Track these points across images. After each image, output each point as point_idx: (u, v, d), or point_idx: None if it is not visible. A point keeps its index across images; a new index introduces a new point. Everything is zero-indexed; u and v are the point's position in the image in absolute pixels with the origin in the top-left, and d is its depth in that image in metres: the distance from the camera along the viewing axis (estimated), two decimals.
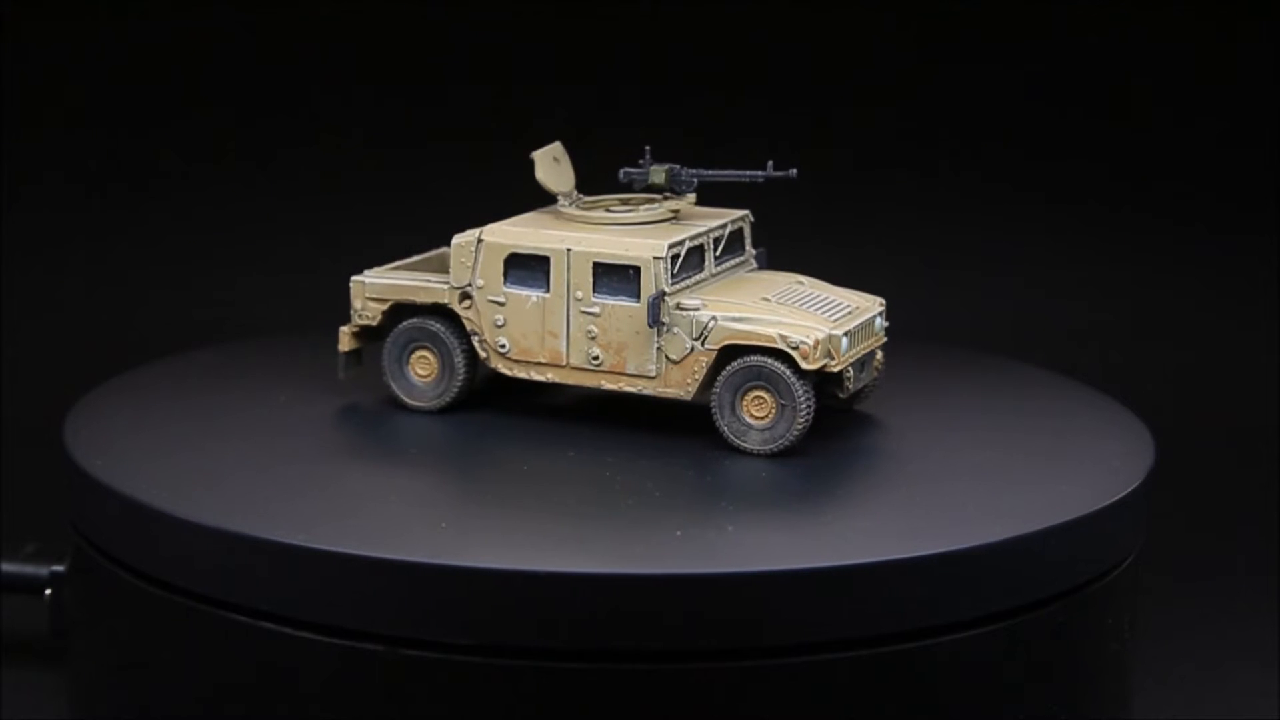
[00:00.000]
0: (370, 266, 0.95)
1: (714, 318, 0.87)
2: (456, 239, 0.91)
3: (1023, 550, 0.79)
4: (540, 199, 0.96)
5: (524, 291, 0.89)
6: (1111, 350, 1.46)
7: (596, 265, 0.88)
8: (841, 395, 0.90)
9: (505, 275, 0.89)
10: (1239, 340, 1.47)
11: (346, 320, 0.95)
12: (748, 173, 0.93)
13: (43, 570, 0.96)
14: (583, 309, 0.89)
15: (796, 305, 0.89)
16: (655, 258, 0.87)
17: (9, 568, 0.97)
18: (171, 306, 1.45)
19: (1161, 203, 1.50)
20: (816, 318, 0.88)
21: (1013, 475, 0.86)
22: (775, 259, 0.97)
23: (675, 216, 0.92)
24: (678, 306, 0.88)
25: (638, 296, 0.88)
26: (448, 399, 0.92)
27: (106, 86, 1.48)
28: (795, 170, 0.92)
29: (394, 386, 0.93)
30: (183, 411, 0.93)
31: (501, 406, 0.93)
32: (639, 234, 0.89)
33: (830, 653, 0.76)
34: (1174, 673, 1.03)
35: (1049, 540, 0.80)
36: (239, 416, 0.92)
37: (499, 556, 0.75)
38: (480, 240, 0.90)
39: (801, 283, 0.93)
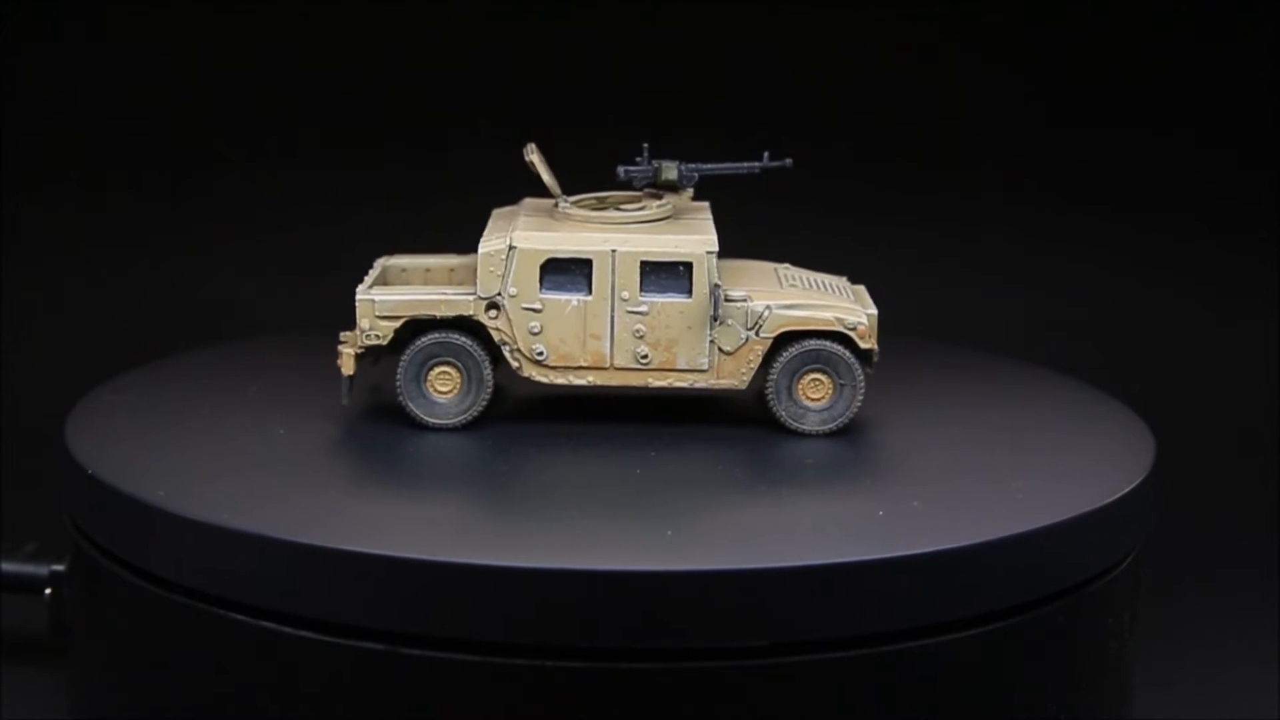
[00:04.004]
0: (369, 265, 0.95)
1: (768, 306, 0.89)
2: (484, 248, 0.89)
3: (1023, 549, 0.79)
4: (504, 199, 0.96)
5: (563, 296, 0.89)
6: (1111, 350, 1.46)
7: (644, 264, 0.88)
8: (869, 371, 0.91)
9: (541, 281, 0.89)
10: (1239, 340, 1.47)
11: (345, 332, 0.92)
12: (744, 164, 0.94)
13: (43, 570, 0.96)
14: (629, 309, 0.88)
15: (815, 289, 0.92)
16: (708, 252, 0.88)
17: (9, 568, 0.97)
18: (172, 306, 1.45)
19: (1161, 202, 1.50)
20: (846, 299, 0.91)
21: (1013, 474, 0.86)
22: (775, 255, 0.97)
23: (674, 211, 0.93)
24: (726, 298, 0.88)
25: (689, 292, 0.88)
26: (474, 413, 0.90)
27: (107, 86, 1.48)
28: (790, 160, 0.93)
29: (412, 407, 0.90)
30: (182, 411, 0.93)
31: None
32: (673, 230, 0.90)
33: (830, 652, 0.76)
34: (1174, 673, 1.03)
35: (1049, 539, 0.80)
36: (239, 416, 0.92)
37: (499, 555, 0.75)
38: (513, 248, 0.89)
39: (788, 268, 0.95)
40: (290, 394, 0.95)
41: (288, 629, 0.78)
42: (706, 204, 0.96)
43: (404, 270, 0.96)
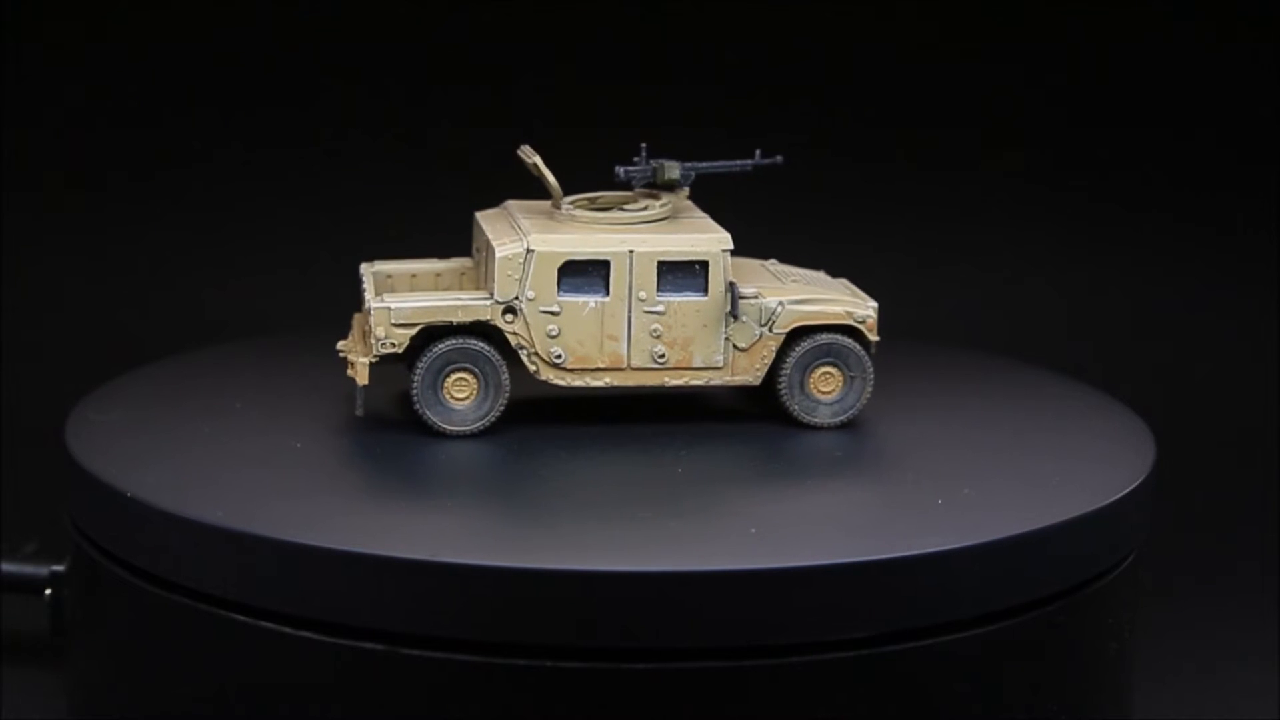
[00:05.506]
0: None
1: (780, 303, 0.90)
2: (501, 252, 0.88)
3: (1023, 549, 0.79)
4: (482, 202, 0.96)
5: (580, 298, 0.89)
6: (1111, 350, 1.46)
7: (661, 264, 0.88)
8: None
9: (559, 284, 0.88)
10: (1239, 340, 1.47)
11: (342, 341, 0.92)
12: (737, 162, 0.95)
13: (43, 570, 0.96)
14: (646, 309, 0.89)
15: (815, 284, 0.93)
16: (724, 250, 0.89)
17: (9, 568, 0.97)
18: (171, 306, 1.45)
19: (1161, 202, 1.50)
20: (847, 293, 0.93)
21: (1012, 474, 0.86)
22: (778, 255, 0.98)
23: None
24: (739, 295, 0.89)
25: (704, 290, 0.89)
26: (492, 419, 0.89)
27: (106, 85, 1.48)
28: (781, 157, 0.94)
29: (429, 414, 0.89)
30: (183, 411, 0.93)
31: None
32: (685, 229, 0.90)
33: (830, 652, 0.76)
34: (1174, 673, 1.03)
35: (1050, 539, 0.80)
36: (239, 417, 0.92)
37: (498, 555, 0.75)
38: (530, 251, 0.88)
39: (775, 264, 0.96)
40: (292, 398, 0.95)
41: (288, 629, 0.78)
42: (690, 203, 0.96)
43: (389, 277, 0.95)
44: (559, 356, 0.89)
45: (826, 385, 0.91)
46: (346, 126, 1.49)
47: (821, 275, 0.97)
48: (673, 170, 0.93)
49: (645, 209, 0.92)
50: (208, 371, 1.01)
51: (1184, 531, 1.19)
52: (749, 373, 0.90)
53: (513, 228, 0.91)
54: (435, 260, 0.96)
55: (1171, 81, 1.49)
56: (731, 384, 0.90)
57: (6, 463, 1.26)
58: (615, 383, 0.90)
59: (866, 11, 1.48)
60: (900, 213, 1.51)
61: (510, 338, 0.89)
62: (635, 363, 0.89)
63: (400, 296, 0.90)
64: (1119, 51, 1.49)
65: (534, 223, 0.91)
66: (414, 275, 0.96)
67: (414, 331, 0.89)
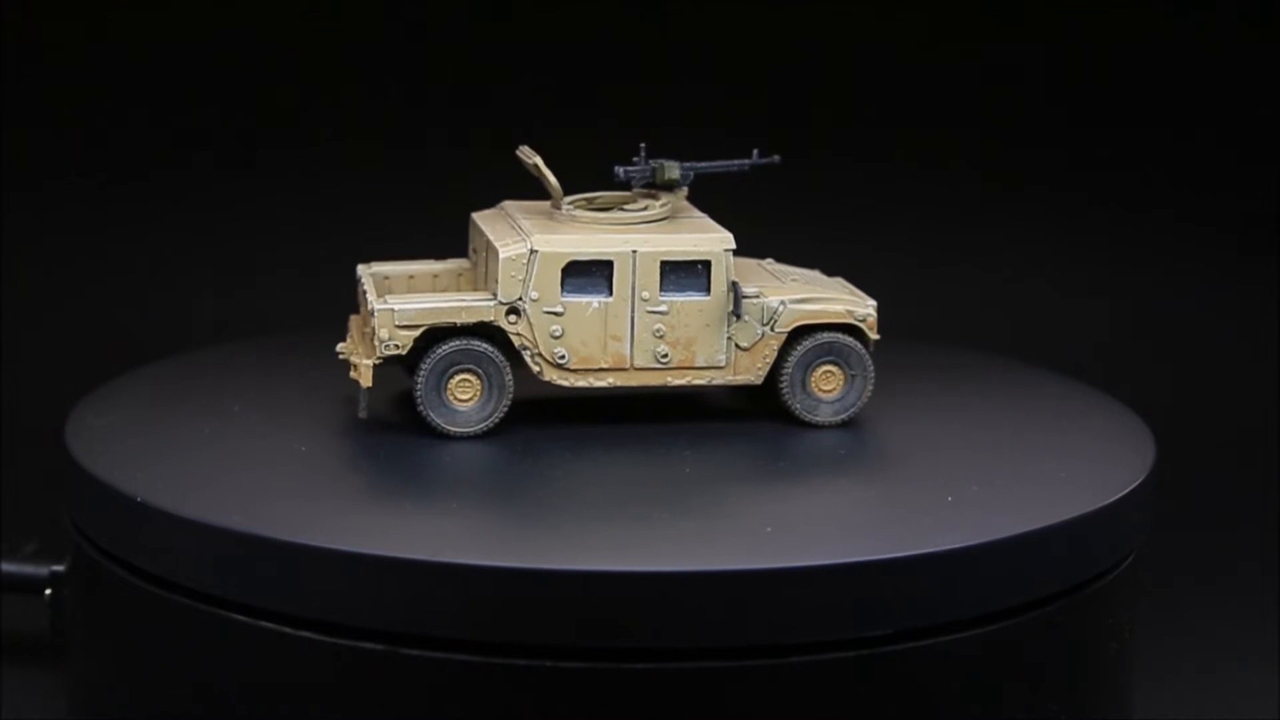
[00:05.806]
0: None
1: (782, 302, 0.90)
2: (504, 253, 0.88)
3: (1023, 549, 0.79)
4: (487, 201, 0.96)
5: (584, 298, 0.88)
6: (1111, 350, 1.46)
7: (664, 264, 0.89)
8: None
9: (562, 284, 0.88)
10: (1239, 340, 1.47)
11: (342, 344, 0.92)
12: (734, 162, 0.95)
13: (43, 570, 0.96)
14: (649, 309, 0.89)
15: (814, 283, 0.94)
16: (726, 249, 0.89)
17: (9, 568, 0.97)
18: (171, 306, 1.45)
19: (1161, 202, 1.50)
20: (845, 292, 0.93)
21: (1013, 474, 0.86)
22: (778, 255, 0.98)
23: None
24: (742, 295, 0.90)
25: (707, 290, 0.89)
26: (495, 420, 0.89)
27: (106, 85, 1.48)
28: (778, 157, 0.94)
29: (433, 416, 0.89)
30: (183, 412, 0.93)
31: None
32: (687, 229, 0.91)
33: (830, 652, 0.76)
34: (1174, 673, 1.03)
35: (1049, 539, 0.80)
36: (239, 417, 0.92)
37: (499, 555, 0.75)
38: (534, 251, 0.88)
39: (771, 263, 0.97)
40: (292, 398, 0.95)
41: (288, 629, 0.78)
42: (688, 203, 0.96)
43: (387, 278, 0.95)
44: (562, 357, 0.89)
45: (828, 384, 0.91)
46: (346, 126, 1.49)
47: (817, 274, 0.97)
48: (672, 170, 0.93)
49: (645, 209, 0.92)
50: (208, 371, 1.01)
51: (1184, 531, 1.19)
52: (751, 372, 0.91)
53: (513, 228, 0.91)
54: (432, 261, 0.96)
55: (1171, 81, 1.49)
56: (734, 383, 0.91)
57: (6, 463, 1.26)
58: (618, 383, 0.90)
59: (866, 11, 1.48)
60: (900, 213, 1.51)
61: (514, 338, 0.89)
62: (638, 363, 0.89)
63: (403, 298, 0.90)
64: (1119, 51, 1.49)
65: (535, 223, 0.91)
66: (411, 276, 0.96)
67: (418, 333, 0.88)
